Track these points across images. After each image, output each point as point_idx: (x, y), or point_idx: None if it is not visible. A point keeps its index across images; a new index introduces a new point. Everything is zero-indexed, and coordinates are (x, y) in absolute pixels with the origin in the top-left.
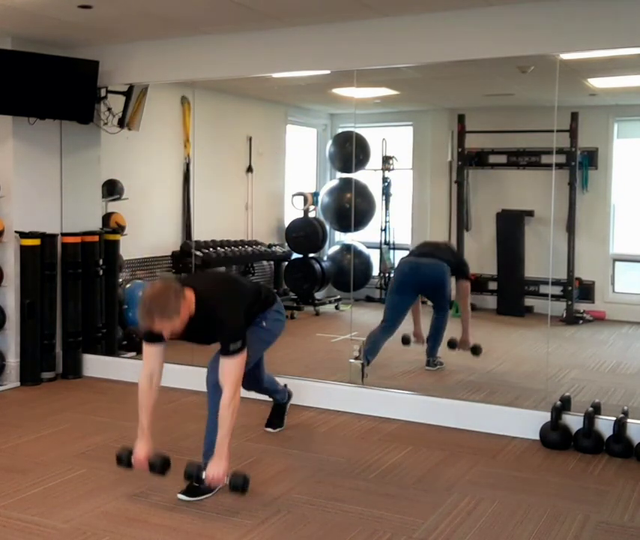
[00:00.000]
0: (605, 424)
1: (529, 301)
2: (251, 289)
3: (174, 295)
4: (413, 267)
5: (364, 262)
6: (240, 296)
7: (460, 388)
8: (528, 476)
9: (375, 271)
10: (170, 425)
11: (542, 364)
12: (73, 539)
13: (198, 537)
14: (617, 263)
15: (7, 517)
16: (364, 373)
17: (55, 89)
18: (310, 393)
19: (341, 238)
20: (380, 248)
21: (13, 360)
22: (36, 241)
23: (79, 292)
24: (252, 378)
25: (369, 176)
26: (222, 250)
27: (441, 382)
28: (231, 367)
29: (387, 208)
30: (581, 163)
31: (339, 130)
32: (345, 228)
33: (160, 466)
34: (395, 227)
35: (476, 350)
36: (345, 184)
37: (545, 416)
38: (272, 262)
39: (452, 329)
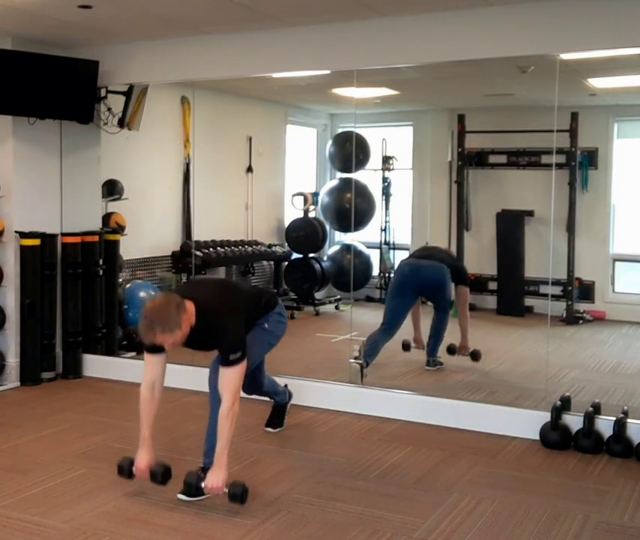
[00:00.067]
0: (605, 424)
1: (529, 301)
2: (251, 295)
3: (175, 309)
4: (413, 269)
5: (364, 262)
6: (240, 306)
7: (460, 388)
8: (528, 476)
9: (375, 271)
10: (170, 425)
11: (542, 364)
12: (73, 539)
13: (198, 537)
14: (617, 263)
15: (7, 517)
16: (363, 373)
17: (55, 89)
18: (310, 393)
19: (341, 238)
20: (380, 248)
21: (13, 360)
22: (36, 241)
23: (79, 292)
24: (253, 382)
25: (369, 176)
26: (222, 250)
27: (441, 382)
28: (231, 377)
29: (387, 208)
30: (581, 163)
31: (339, 130)
32: (345, 228)
33: (161, 475)
34: (395, 227)
35: (475, 356)
36: (345, 184)
37: (545, 416)
38: (272, 262)
39: (451, 333)
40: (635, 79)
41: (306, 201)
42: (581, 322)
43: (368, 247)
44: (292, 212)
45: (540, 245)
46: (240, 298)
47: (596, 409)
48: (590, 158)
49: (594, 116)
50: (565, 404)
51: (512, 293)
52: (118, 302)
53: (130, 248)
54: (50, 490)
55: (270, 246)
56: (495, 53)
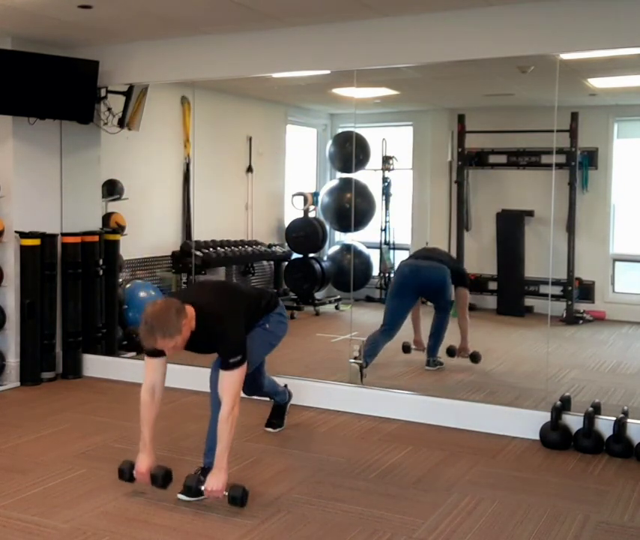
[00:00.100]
0: (605, 424)
1: (529, 301)
2: (251, 297)
3: (175, 314)
4: (413, 269)
5: (364, 262)
6: (240, 309)
7: (460, 388)
8: (528, 476)
9: (375, 271)
10: (170, 425)
11: (542, 364)
12: (73, 539)
13: (198, 537)
14: (617, 263)
15: (7, 517)
16: (363, 373)
17: (55, 89)
18: (310, 393)
19: (341, 238)
20: (380, 248)
21: (13, 360)
22: (36, 241)
23: (79, 292)
24: (254, 383)
25: (369, 176)
26: (222, 250)
27: (441, 382)
28: (231, 381)
29: (387, 208)
30: (581, 163)
31: (339, 130)
32: (345, 228)
33: (161, 478)
34: (395, 227)
35: (475, 358)
36: (345, 184)
37: (545, 416)
38: (272, 262)
39: (450, 334)
40: (635, 79)
41: (306, 201)
42: (581, 322)
43: (368, 247)
44: (292, 212)
45: (540, 245)
46: (240, 301)
47: (596, 409)
48: (590, 158)
49: (594, 116)
50: (565, 404)
51: (512, 293)
52: (118, 302)
53: (130, 248)
54: (50, 490)
55: (270, 246)
56: (495, 53)
